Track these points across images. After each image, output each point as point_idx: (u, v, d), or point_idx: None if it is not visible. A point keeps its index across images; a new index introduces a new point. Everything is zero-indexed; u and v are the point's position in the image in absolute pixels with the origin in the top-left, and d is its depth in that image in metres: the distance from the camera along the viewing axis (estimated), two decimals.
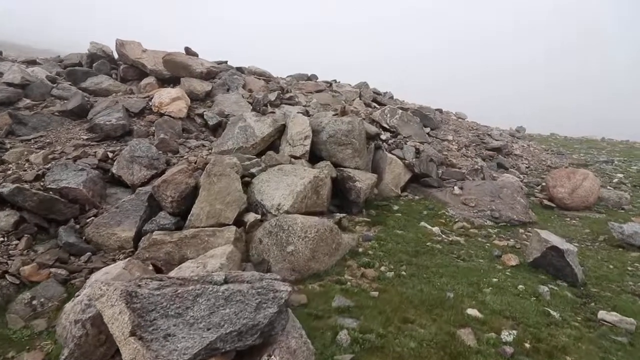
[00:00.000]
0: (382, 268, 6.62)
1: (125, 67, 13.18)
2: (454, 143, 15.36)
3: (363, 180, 9.23)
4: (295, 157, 9.63)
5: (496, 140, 18.04)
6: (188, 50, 13.23)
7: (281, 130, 10.42)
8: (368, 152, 11.30)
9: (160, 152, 8.62)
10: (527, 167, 15.69)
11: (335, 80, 18.34)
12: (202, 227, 6.80)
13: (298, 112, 11.07)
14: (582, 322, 5.49)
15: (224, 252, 5.84)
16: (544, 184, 13.04)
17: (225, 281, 3.85)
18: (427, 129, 15.21)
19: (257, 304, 3.62)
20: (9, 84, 10.81)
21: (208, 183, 7.35)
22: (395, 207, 9.67)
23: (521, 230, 9.27)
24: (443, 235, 8.16)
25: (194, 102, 11.77)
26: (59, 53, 16.56)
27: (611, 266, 7.53)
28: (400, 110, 13.98)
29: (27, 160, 8.16)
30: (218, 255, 5.75)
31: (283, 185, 7.98)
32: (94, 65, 13.29)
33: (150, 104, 10.65)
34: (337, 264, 6.83)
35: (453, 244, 7.77)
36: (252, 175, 8.60)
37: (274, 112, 10.82)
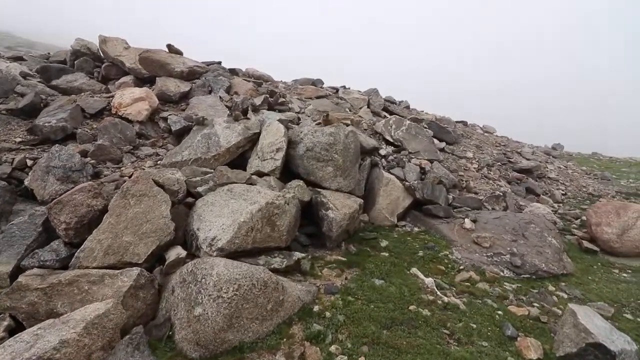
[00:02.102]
0: (333, 348, 4.37)
1: (108, 66, 11.79)
2: (473, 161, 12.72)
3: (339, 208, 7.00)
4: (262, 174, 7.60)
5: (526, 159, 15.12)
6: (170, 48, 11.66)
7: (254, 140, 8.44)
8: (361, 169, 9.06)
9: (91, 161, 6.89)
10: (563, 194, 12.71)
11: (344, 86, 16.23)
12: (94, 267, 4.89)
13: (279, 120, 9.05)
14: None
15: (88, 315, 3.86)
16: (584, 218, 10.17)
17: None
18: (443, 144, 12.69)
19: None
20: None
21: (121, 206, 5.47)
22: (384, 243, 7.34)
23: (551, 287, 6.64)
24: (438, 293, 5.76)
25: (166, 104, 10.11)
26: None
27: None
28: (408, 122, 11.60)
29: None
30: (76, 322, 3.78)
31: (227, 212, 5.95)
32: (75, 62, 12.05)
33: (112, 104, 9.05)
34: (275, 331, 4.69)
35: (449, 310, 5.35)
36: (199, 196, 6.67)
37: (248, 118, 8.88)
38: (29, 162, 6.64)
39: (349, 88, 16.11)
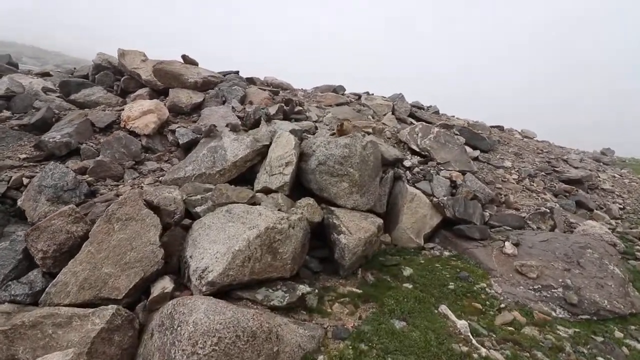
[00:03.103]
0: None
1: (127, 79, 11.59)
2: (513, 171, 11.23)
3: (353, 232, 6.00)
4: (269, 191, 6.78)
5: (574, 167, 13.32)
6: (185, 58, 11.25)
7: (264, 152, 7.67)
8: (382, 183, 8.02)
9: (88, 179, 6.39)
10: (621, 209, 10.90)
11: (367, 92, 15.23)
12: (67, 304, 4.24)
13: (292, 130, 8.24)
14: None
15: None
16: None
17: None
18: (477, 152, 11.33)
19: None
20: None
21: (103, 232, 4.82)
22: (408, 271, 6.23)
23: (618, 333, 5.26)
24: (473, 341, 4.61)
25: (178, 116, 9.63)
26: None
27: None
28: (437, 129, 10.39)
29: None
30: None
31: (223, 237, 5.16)
32: (96, 76, 11.98)
33: (121, 118, 8.67)
34: None
35: None
36: (197, 216, 5.95)
37: (258, 129, 8.14)
38: (25, 181, 6.23)
39: (373, 94, 15.09)
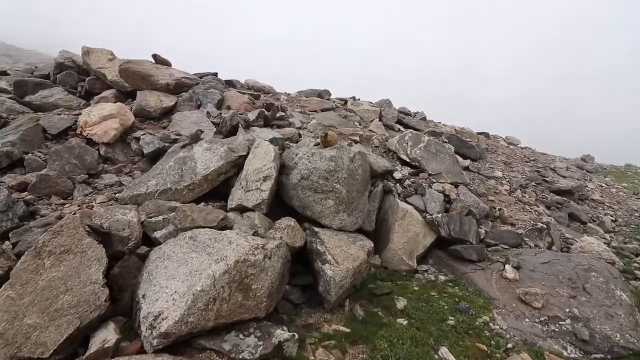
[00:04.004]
0: None
1: (92, 79, 10.40)
2: (504, 182, 10.68)
3: (340, 262, 5.15)
4: (245, 209, 5.87)
5: (563, 177, 12.91)
6: (157, 58, 10.21)
7: (240, 164, 6.75)
8: (372, 198, 7.24)
9: (28, 197, 5.33)
10: (613, 221, 10.48)
11: (354, 98, 14.48)
12: None
13: (272, 139, 7.35)
14: None
15: None
16: None
17: None
18: (467, 162, 10.72)
19: None
20: None
21: (30, 270, 3.81)
22: (402, 303, 5.42)
23: None
24: None
25: (146, 121, 8.59)
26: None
27: None
28: (427, 137, 9.70)
29: None
30: None
31: (183, 273, 4.23)
32: (58, 76, 10.76)
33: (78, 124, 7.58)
34: None
35: None
36: (157, 243, 4.99)
37: (235, 137, 7.22)
38: None
39: (359, 99, 14.36)
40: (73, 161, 6.39)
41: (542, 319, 5.34)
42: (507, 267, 6.31)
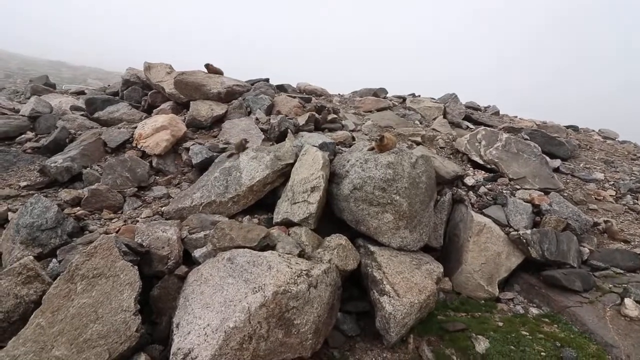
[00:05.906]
0: None
1: (154, 93, 10.83)
2: (607, 186, 8.65)
3: (401, 293, 4.20)
4: (291, 224, 5.25)
5: None
6: (209, 68, 10.19)
7: (287, 173, 6.17)
8: (438, 209, 6.16)
9: (79, 212, 5.32)
10: None
11: (413, 94, 13.25)
12: None
13: (322, 143, 6.68)
14: None
15: None
16: None
17: None
18: (557, 162, 8.93)
19: None
20: (24, 116, 9.32)
21: (62, 296, 3.58)
22: (482, 345, 4.30)
23: None
24: None
25: (198, 131, 8.51)
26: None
27: None
28: (505, 135, 8.20)
29: None
30: None
31: (218, 301, 3.70)
32: (124, 92, 11.41)
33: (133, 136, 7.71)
34: None
35: None
36: (197, 263, 4.58)
37: (282, 143, 6.67)
38: (10, 216, 5.31)
39: (419, 96, 13.08)
40: (125, 174, 6.38)
41: None
42: (627, 300, 4.77)
